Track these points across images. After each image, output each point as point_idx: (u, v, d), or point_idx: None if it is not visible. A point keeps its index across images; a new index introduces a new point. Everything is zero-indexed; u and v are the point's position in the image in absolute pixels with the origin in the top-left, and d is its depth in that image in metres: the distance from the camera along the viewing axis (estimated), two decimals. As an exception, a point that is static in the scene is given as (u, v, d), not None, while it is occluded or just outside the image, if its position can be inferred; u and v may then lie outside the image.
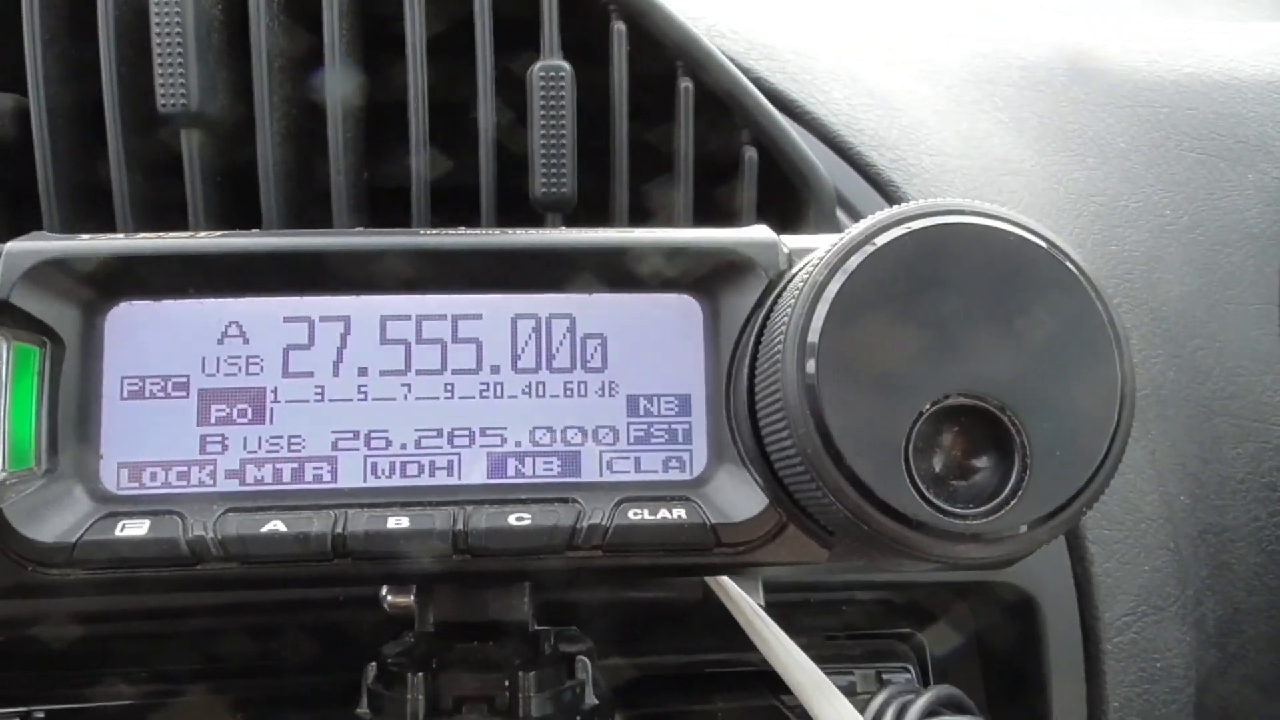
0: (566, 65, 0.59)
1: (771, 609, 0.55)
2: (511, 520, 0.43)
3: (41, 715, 0.59)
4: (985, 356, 0.39)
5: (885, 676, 0.66)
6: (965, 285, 0.39)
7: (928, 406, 0.38)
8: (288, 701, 0.59)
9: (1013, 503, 0.38)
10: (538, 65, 0.59)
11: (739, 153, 0.63)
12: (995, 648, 0.68)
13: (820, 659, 0.53)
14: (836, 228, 0.63)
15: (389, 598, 0.54)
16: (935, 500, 0.38)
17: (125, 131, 0.57)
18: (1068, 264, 0.40)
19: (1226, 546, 0.77)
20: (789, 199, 0.65)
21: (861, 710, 0.54)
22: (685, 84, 0.62)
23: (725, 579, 0.53)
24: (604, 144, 0.61)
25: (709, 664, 0.66)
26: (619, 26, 0.61)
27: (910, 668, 0.68)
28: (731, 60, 0.65)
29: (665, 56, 0.62)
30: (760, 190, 0.64)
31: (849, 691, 0.56)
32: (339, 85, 0.58)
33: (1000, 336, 0.39)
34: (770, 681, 0.61)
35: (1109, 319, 0.40)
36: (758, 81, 0.70)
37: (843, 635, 0.69)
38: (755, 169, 0.63)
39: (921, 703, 0.57)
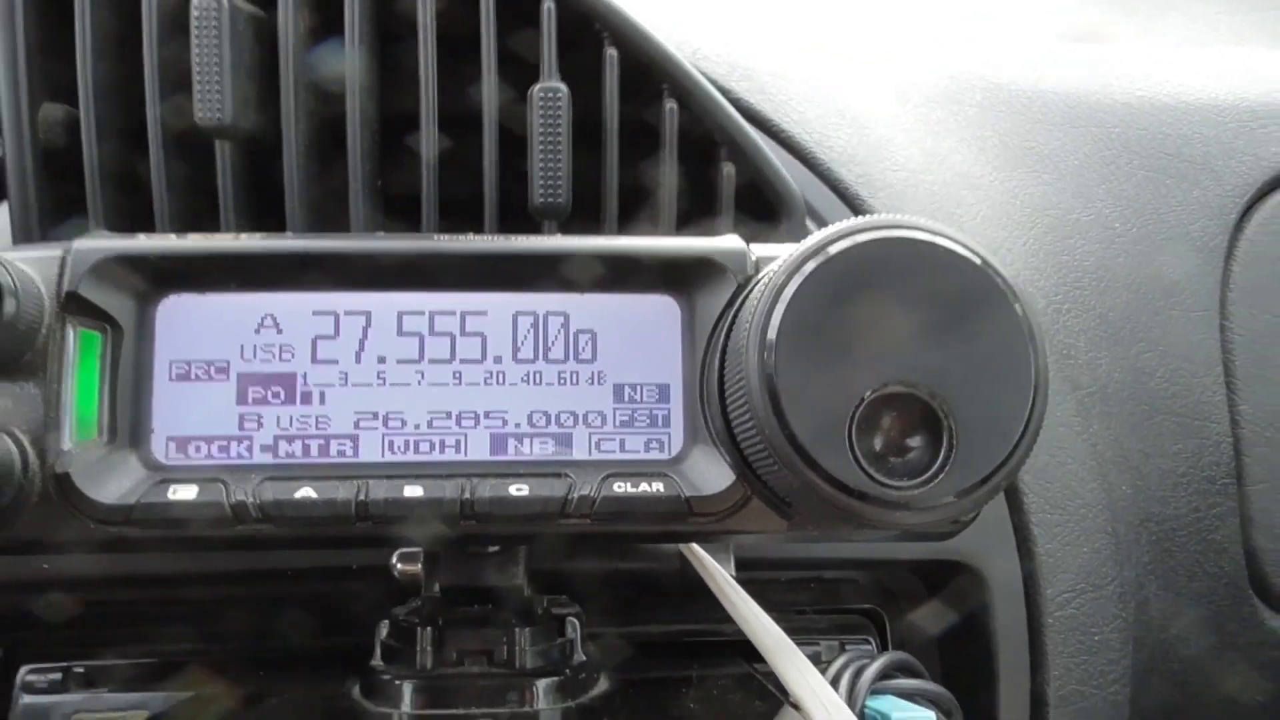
0: (563, 87, 0.65)
1: (745, 586, 0.61)
2: (512, 490, 0.49)
3: (81, 670, 0.65)
4: (919, 351, 0.45)
5: (848, 647, 0.73)
6: (904, 290, 0.45)
7: (869, 393, 0.45)
8: (305, 661, 0.65)
9: (941, 476, 0.45)
10: (537, 87, 0.65)
11: (718, 167, 0.69)
12: (949, 621, 0.75)
13: (789, 631, 0.59)
14: (805, 236, 0.70)
15: (399, 565, 0.60)
16: (875, 474, 0.45)
17: (165, 140, 0.63)
18: (993, 275, 0.46)
19: (1169, 535, 0.84)
20: (763, 210, 0.71)
21: (823, 674, 0.61)
22: (670, 105, 0.68)
23: (700, 551, 0.60)
24: (596, 154, 0.67)
25: (687, 634, 0.73)
26: (611, 52, 0.67)
27: (871, 639, 0.75)
28: (713, 81, 0.72)
29: (653, 80, 0.68)
30: (737, 201, 0.71)
31: (815, 660, 0.62)
32: (357, 101, 0.65)
33: (933, 334, 0.45)
34: (744, 651, 0.67)
35: (1026, 321, 0.46)
36: (736, 102, 0.76)
37: (810, 610, 0.76)
38: (733, 182, 0.69)
39: (876, 666, 0.63)
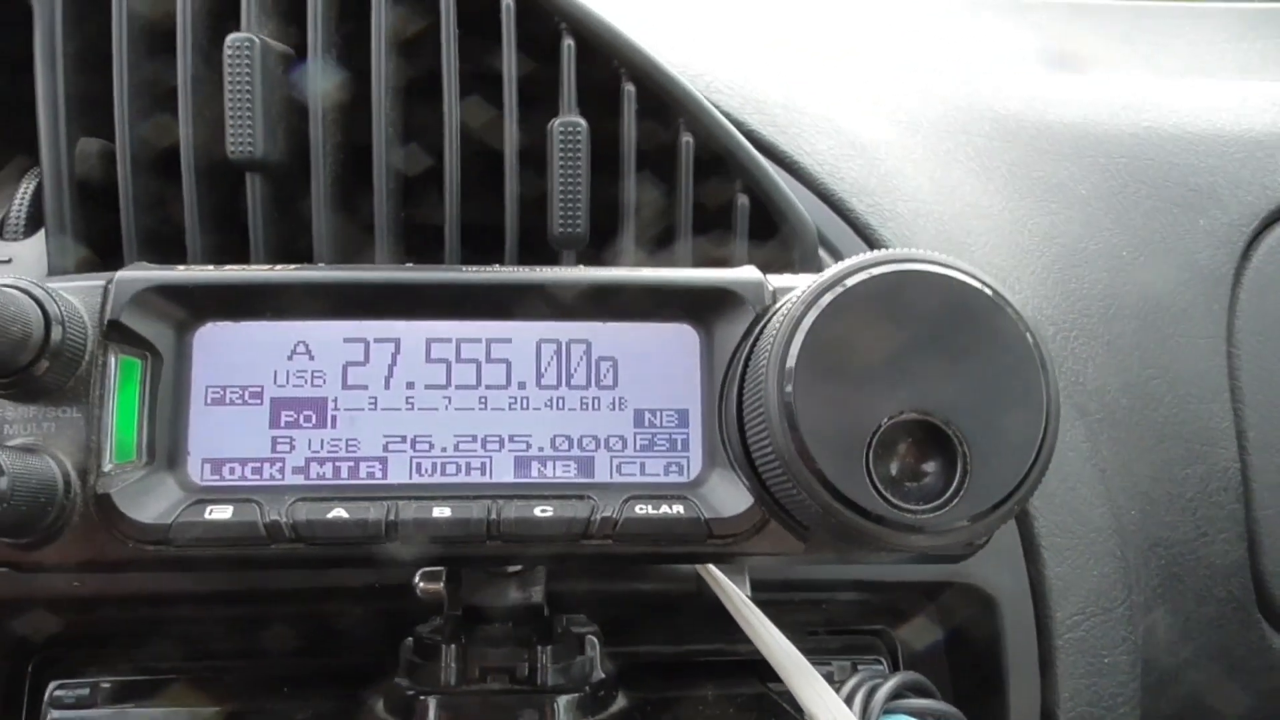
0: (582, 121, 0.67)
1: (759, 606, 0.62)
2: (537, 512, 0.51)
3: (109, 685, 0.67)
4: (934, 380, 0.47)
5: (860, 667, 0.74)
6: (920, 321, 0.47)
7: (885, 420, 0.46)
8: (329, 678, 0.66)
9: (955, 501, 0.46)
10: (557, 121, 0.67)
11: (733, 199, 0.71)
12: (960, 642, 0.76)
13: (803, 652, 0.61)
14: (818, 266, 0.72)
15: (421, 584, 0.62)
16: (891, 498, 0.46)
17: (197, 173, 0.65)
18: (1004, 305, 0.48)
19: (1177, 559, 0.85)
20: (777, 240, 0.73)
21: (836, 694, 0.62)
22: (686, 139, 0.70)
23: (717, 572, 0.61)
24: (614, 185, 0.69)
25: (702, 654, 0.74)
26: (629, 88, 0.69)
27: (883, 660, 0.76)
28: (726, 114, 0.74)
29: (669, 114, 0.70)
30: (752, 231, 0.72)
31: (828, 680, 0.63)
32: (383, 136, 0.67)
33: (947, 364, 0.47)
34: (759, 671, 0.69)
35: (1037, 349, 0.48)
36: (750, 134, 0.78)
37: (823, 630, 0.77)
38: (747, 213, 0.71)
39: (889, 686, 0.65)
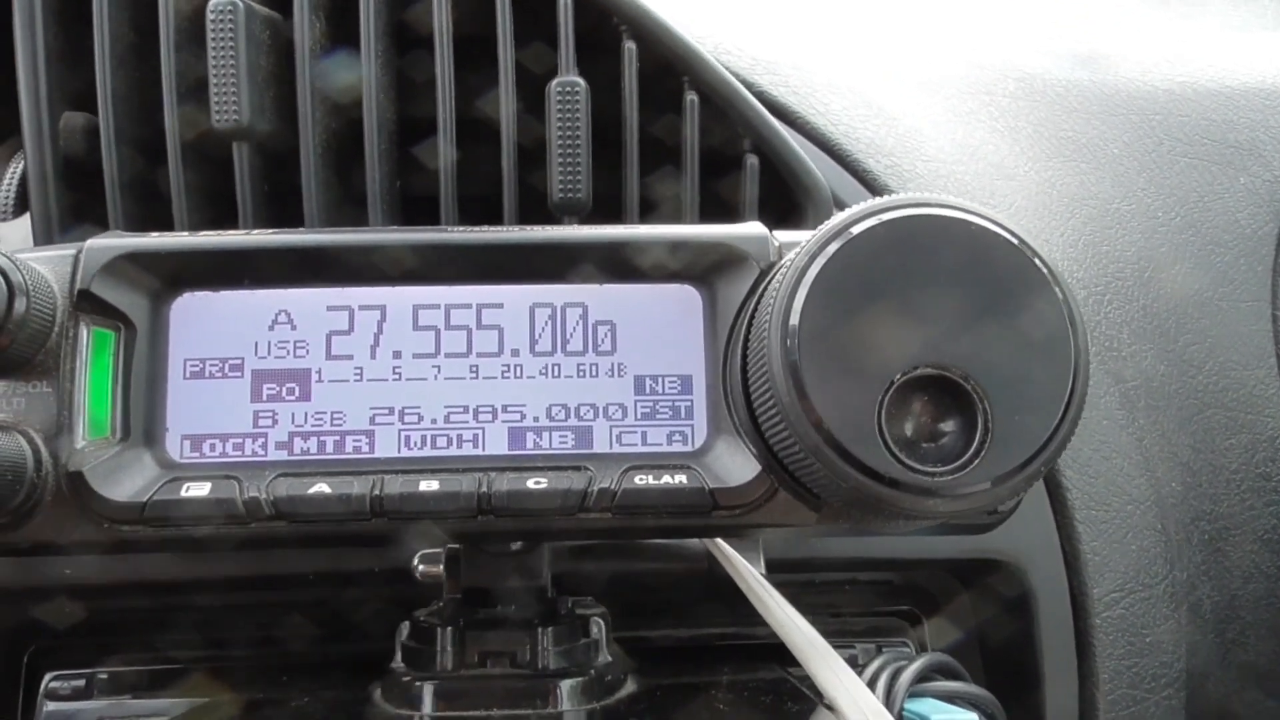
0: (581, 81, 0.64)
1: (777, 589, 0.59)
2: (530, 484, 0.48)
3: (105, 676, 0.65)
4: (951, 332, 0.43)
5: (885, 650, 0.70)
6: (933, 269, 0.44)
7: (898, 377, 0.43)
8: (327, 665, 0.64)
9: (976, 462, 0.43)
10: (555, 81, 0.64)
11: (741, 159, 0.68)
12: (991, 623, 0.72)
13: (824, 634, 0.57)
14: (832, 225, 0.68)
15: (420, 567, 0.59)
16: (906, 460, 0.43)
17: (183, 145, 0.63)
18: (1025, 250, 0.44)
19: (1221, 534, 0.81)
20: (789, 202, 0.70)
21: (859, 676, 0.58)
22: (691, 97, 0.67)
23: (727, 548, 0.58)
24: (617, 148, 0.66)
25: (718, 638, 0.71)
26: (630, 46, 0.66)
27: (909, 642, 0.72)
28: (735, 75, 0.70)
29: (673, 72, 0.67)
30: (763, 194, 0.69)
31: (851, 663, 0.60)
32: (374, 100, 0.64)
33: (965, 315, 0.43)
34: (778, 655, 0.65)
35: (1064, 300, 0.44)
36: (760, 94, 0.75)
37: (846, 613, 0.74)
38: (756, 174, 0.68)
39: (914, 668, 0.61)
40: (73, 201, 0.65)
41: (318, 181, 0.64)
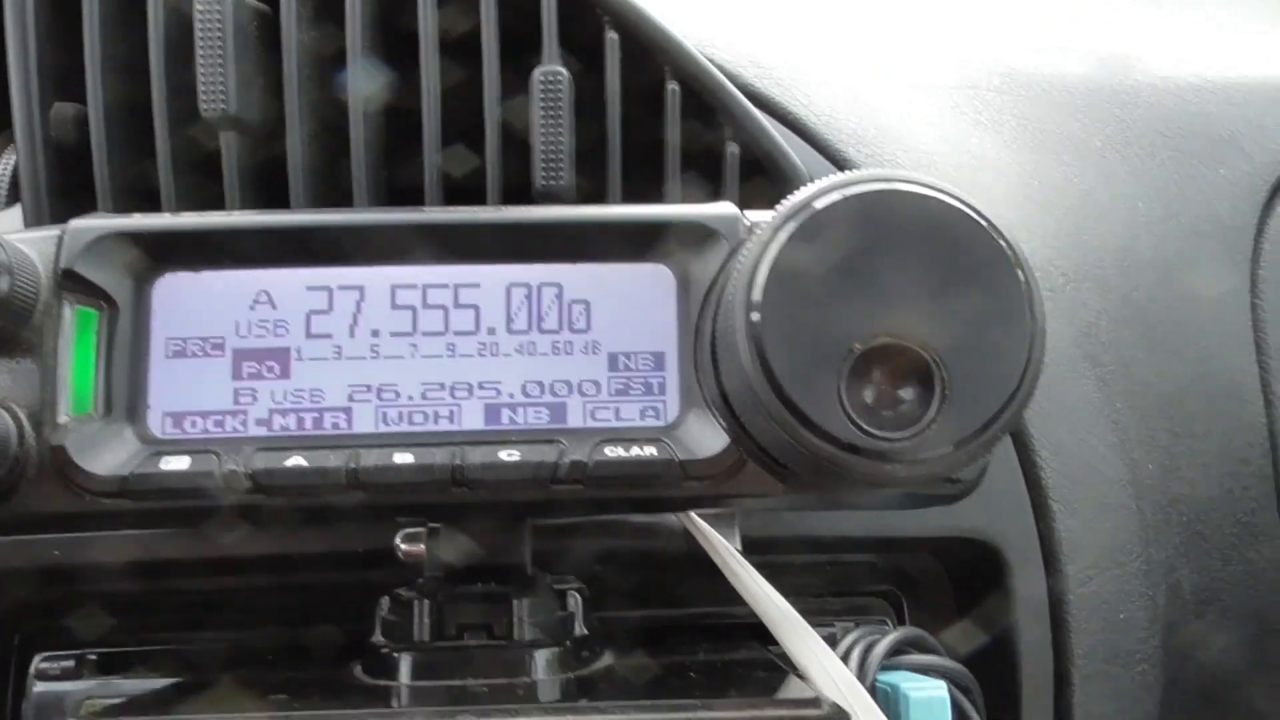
0: (564, 70, 0.65)
1: (758, 570, 0.60)
2: (502, 455, 0.49)
3: (94, 657, 0.66)
4: (911, 304, 0.44)
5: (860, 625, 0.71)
6: (894, 243, 0.45)
7: (858, 346, 0.44)
8: (314, 647, 0.65)
9: (934, 427, 0.44)
10: (539, 70, 0.65)
11: (722, 148, 0.69)
12: (968, 602, 0.73)
13: (804, 614, 0.58)
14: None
15: (403, 546, 0.60)
16: (866, 426, 0.44)
17: (171, 133, 0.64)
18: (983, 224, 0.45)
19: (1200, 517, 0.81)
20: (770, 192, 0.71)
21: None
22: (673, 86, 0.68)
23: (701, 523, 0.59)
24: (601, 138, 0.67)
25: (698, 617, 0.72)
26: (612, 36, 0.68)
27: (888, 621, 0.73)
28: (719, 67, 0.72)
29: (655, 62, 0.68)
30: (745, 182, 0.70)
31: (829, 642, 0.61)
32: (361, 90, 0.65)
33: (924, 287, 0.44)
34: (758, 635, 0.66)
35: (1017, 264, 0.45)
36: (743, 86, 0.76)
37: (826, 594, 0.74)
38: (737, 162, 0.69)
39: (887, 641, 0.62)
40: (63, 192, 0.66)
41: (305, 171, 0.65)
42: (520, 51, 0.68)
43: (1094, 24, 1.12)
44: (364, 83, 0.65)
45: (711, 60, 0.71)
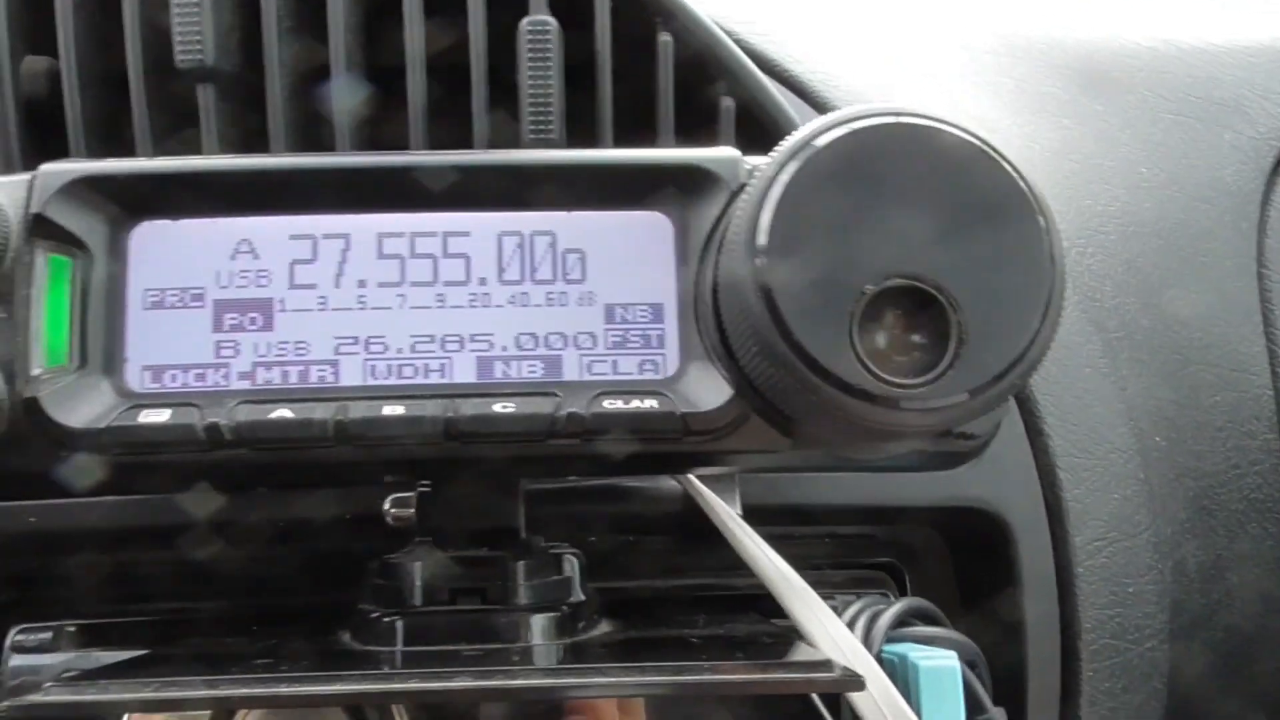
0: (552, 20, 0.63)
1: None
2: (497, 408, 0.47)
3: (73, 629, 0.64)
4: (924, 244, 0.42)
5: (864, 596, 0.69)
6: (902, 180, 0.43)
7: (869, 288, 0.42)
8: (301, 615, 0.63)
9: (950, 373, 0.42)
10: (525, 20, 0.63)
11: (716, 103, 0.67)
12: (972, 574, 0.71)
13: (804, 583, 0.57)
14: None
15: (392, 510, 0.58)
16: (879, 372, 0.42)
17: (147, 87, 0.62)
18: (1000, 160, 0.44)
19: (1206, 491, 0.80)
20: (767, 147, 0.69)
21: (839, 621, 0.57)
22: (664, 38, 0.66)
23: (701, 485, 0.57)
24: (591, 95, 0.65)
25: (699, 588, 0.70)
26: (602, -14, 0.65)
27: (889, 594, 0.71)
28: (714, 22, 0.70)
29: (647, 14, 0.66)
30: (742, 140, 0.68)
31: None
32: (342, 45, 0.63)
33: (938, 227, 0.43)
34: (755, 605, 0.64)
35: (1040, 211, 0.43)
36: (739, 42, 0.74)
37: (826, 565, 0.72)
38: (732, 116, 0.67)
39: (892, 611, 0.60)
40: (36, 147, 0.64)
41: (286, 126, 0.63)
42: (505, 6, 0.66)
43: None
44: (345, 38, 0.63)
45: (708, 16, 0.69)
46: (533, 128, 0.63)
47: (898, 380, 0.42)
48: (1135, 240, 0.83)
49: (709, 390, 0.48)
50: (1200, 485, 0.79)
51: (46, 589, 0.65)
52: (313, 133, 0.66)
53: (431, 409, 0.46)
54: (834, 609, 0.63)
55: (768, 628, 0.60)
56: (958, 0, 0.96)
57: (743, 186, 0.49)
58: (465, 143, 0.64)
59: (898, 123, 0.43)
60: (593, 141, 0.66)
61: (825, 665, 0.45)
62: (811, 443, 0.48)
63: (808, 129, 0.44)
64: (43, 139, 0.65)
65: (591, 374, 0.49)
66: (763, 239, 0.43)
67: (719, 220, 0.49)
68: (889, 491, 0.67)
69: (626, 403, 0.47)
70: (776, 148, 0.44)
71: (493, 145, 0.64)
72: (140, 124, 0.62)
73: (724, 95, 0.67)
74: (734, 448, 0.48)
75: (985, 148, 0.43)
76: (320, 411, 0.46)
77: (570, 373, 0.49)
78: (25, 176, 0.48)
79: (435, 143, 0.64)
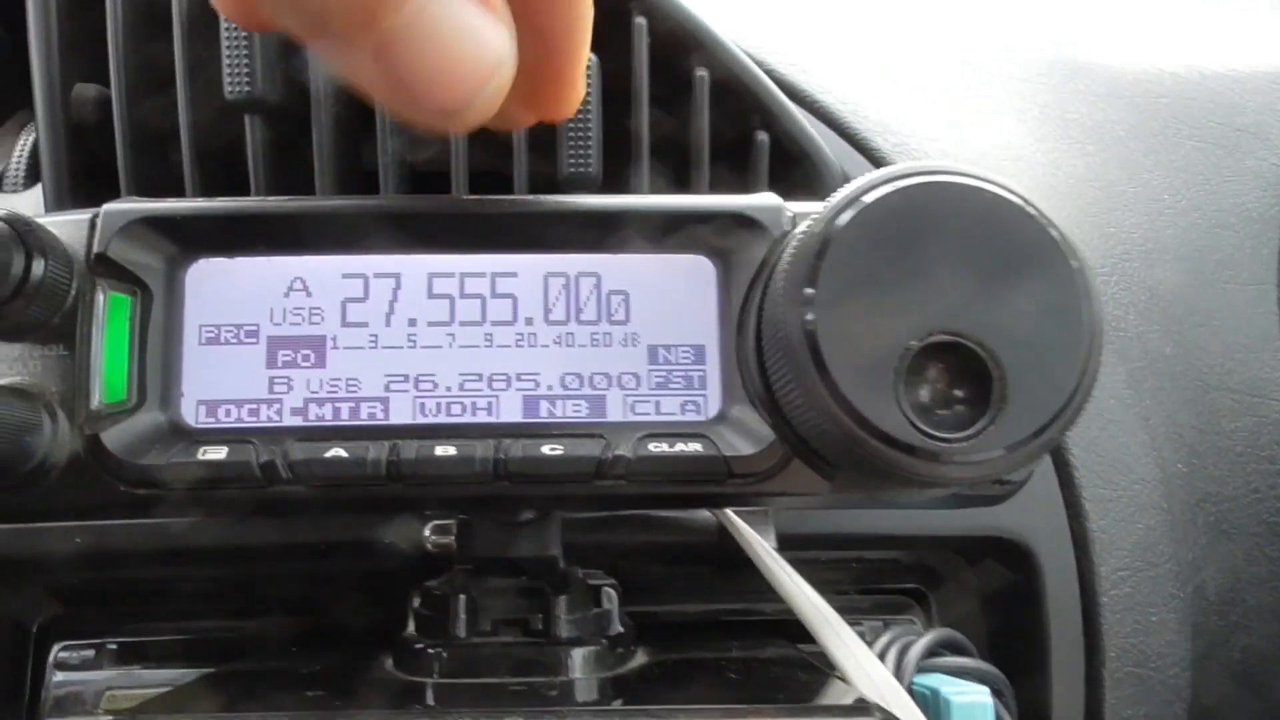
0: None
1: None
2: (545, 450, 0.48)
3: (114, 647, 0.65)
4: (966, 300, 0.43)
5: (892, 626, 0.71)
6: (947, 237, 0.44)
7: (914, 343, 0.43)
8: (341, 638, 0.64)
9: (991, 428, 0.43)
10: (567, 55, 0.64)
11: (751, 136, 0.68)
12: (999, 601, 0.73)
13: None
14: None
15: (432, 538, 0.60)
16: (922, 426, 0.43)
17: (194, 117, 0.63)
18: (1040, 218, 0.44)
19: (1226, 516, 0.81)
20: (798, 180, 0.70)
21: (867, 650, 0.58)
22: (700, 73, 0.67)
23: (738, 520, 0.58)
24: (628, 127, 0.66)
25: (728, 613, 0.71)
26: (639, 21, 0.66)
27: (916, 620, 0.73)
28: (746, 54, 0.70)
29: (683, 48, 0.67)
30: (773, 170, 0.69)
31: (861, 642, 0.60)
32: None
33: (979, 283, 0.43)
34: (788, 632, 0.65)
35: (1078, 268, 0.44)
36: (770, 73, 0.75)
37: (853, 590, 0.74)
38: (766, 150, 0.68)
39: (923, 643, 0.61)
40: (85, 174, 0.65)
41: (330, 155, 0.64)
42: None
43: (1117, 12, 1.11)
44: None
45: (738, 47, 0.70)
46: (571, 160, 0.64)
47: (940, 435, 0.43)
48: (1158, 267, 0.84)
49: (750, 433, 0.49)
50: (1220, 510, 0.80)
51: (88, 607, 0.66)
52: (356, 159, 0.67)
53: (481, 450, 0.48)
54: (863, 637, 0.64)
55: (799, 657, 0.61)
56: (980, 26, 0.97)
57: (785, 234, 0.50)
58: (505, 169, 0.65)
59: (943, 181, 0.44)
60: (626, 169, 0.67)
61: (864, 709, 0.47)
62: (850, 488, 0.49)
63: (858, 184, 0.45)
64: (89, 164, 0.66)
65: (635, 414, 0.50)
66: (810, 289, 0.44)
67: (763, 266, 0.50)
68: (917, 521, 0.68)
69: (671, 445, 0.48)
70: (826, 201, 0.45)
71: (532, 175, 0.65)
72: (188, 155, 0.63)
73: (759, 130, 0.68)
74: (775, 490, 0.49)
75: (1028, 208, 0.44)
76: (374, 451, 0.47)
77: (614, 413, 0.50)
78: (86, 215, 0.49)
79: (475, 167, 0.65)
